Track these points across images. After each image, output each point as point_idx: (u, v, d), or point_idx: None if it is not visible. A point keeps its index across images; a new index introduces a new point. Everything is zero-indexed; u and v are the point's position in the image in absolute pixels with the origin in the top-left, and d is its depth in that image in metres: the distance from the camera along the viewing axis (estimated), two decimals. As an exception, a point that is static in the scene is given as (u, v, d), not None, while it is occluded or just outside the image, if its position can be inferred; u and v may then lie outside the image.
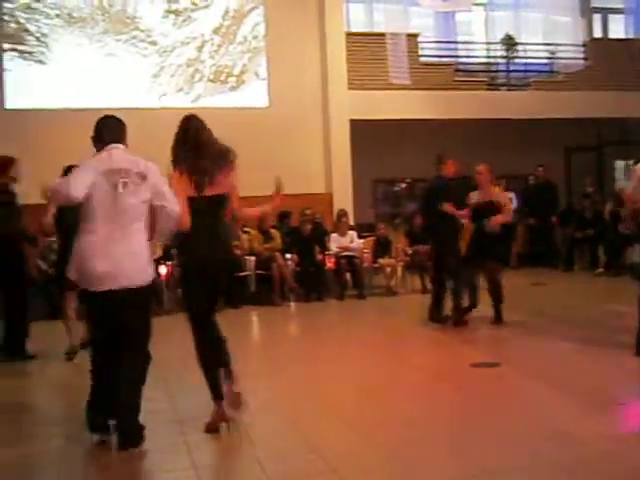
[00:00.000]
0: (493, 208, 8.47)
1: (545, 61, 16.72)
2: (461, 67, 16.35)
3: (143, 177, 4.52)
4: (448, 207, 8.41)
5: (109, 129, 4.75)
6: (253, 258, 11.44)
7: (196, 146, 4.83)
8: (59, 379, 6.96)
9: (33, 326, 7.86)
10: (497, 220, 8.42)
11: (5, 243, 7.40)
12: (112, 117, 4.84)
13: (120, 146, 4.70)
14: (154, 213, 4.53)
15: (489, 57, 16.98)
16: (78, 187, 4.36)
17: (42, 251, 9.97)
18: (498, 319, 8.40)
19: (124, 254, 4.40)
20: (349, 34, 14.90)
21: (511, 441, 4.36)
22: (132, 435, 4.48)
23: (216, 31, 14.31)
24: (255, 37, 14.48)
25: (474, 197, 8.62)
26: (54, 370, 7.17)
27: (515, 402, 5.29)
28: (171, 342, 6.89)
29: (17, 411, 5.65)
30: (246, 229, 11.83)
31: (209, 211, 4.82)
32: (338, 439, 4.56)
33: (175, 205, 4.53)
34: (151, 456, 4.38)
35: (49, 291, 10.37)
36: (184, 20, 14.18)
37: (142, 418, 4.55)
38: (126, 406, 4.50)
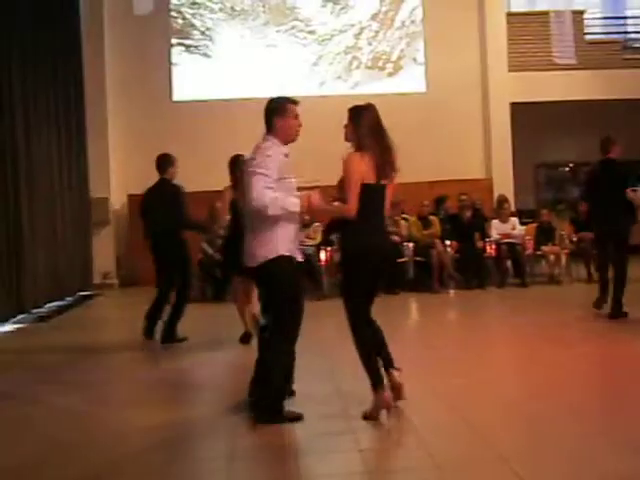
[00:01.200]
0: None
1: None
2: (630, 44, 15.48)
3: None
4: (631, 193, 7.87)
5: None
6: (412, 245, 11.38)
7: (382, 135, 4.83)
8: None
9: (197, 308, 8.09)
10: None
11: (168, 235, 7.68)
12: None
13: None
14: None
15: (661, 32, 15.98)
16: None
17: (210, 237, 10.39)
18: None
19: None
20: (510, 14, 14.49)
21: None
22: (260, 412, 4.66)
23: (374, 17, 14.32)
24: (413, 22, 14.37)
25: None
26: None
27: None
28: (331, 326, 6.95)
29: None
30: (404, 216, 11.77)
31: (382, 200, 4.81)
32: (507, 429, 4.44)
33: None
34: (317, 439, 4.42)
35: (213, 275, 10.80)
36: (342, 8, 14.28)
37: (305, 402, 4.60)
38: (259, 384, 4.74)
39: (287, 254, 4.69)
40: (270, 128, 4.79)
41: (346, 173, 4.68)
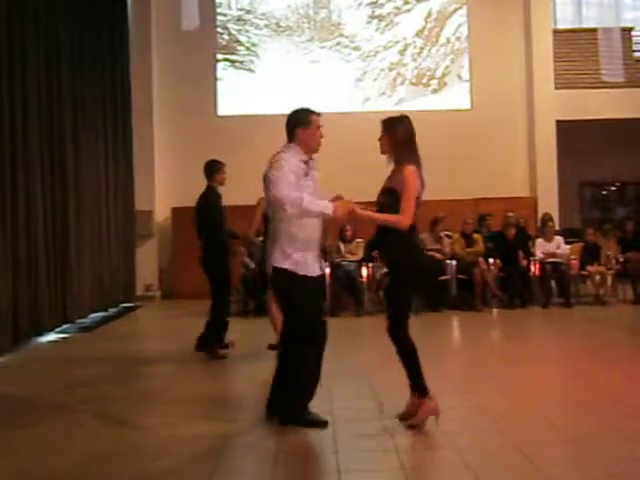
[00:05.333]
0: None
1: None
2: (679, 62, 15.23)
3: None
4: None
5: None
6: (454, 262, 11.28)
7: (416, 147, 4.86)
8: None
9: (239, 322, 8.13)
10: None
11: (211, 246, 7.70)
12: None
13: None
14: None
15: None
16: None
17: (250, 249, 10.43)
18: None
19: None
20: (556, 31, 14.38)
21: None
22: (285, 414, 4.82)
23: (419, 34, 14.32)
24: (458, 38, 14.34)
25: None
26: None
27: None
28: (370, 342, 6.90)
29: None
30: (448, 233, 11.68)
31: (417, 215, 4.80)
32: (551, 450, 4.35)
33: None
34: (358, 456, 4.38)
35: (257, 288, 10.76)
36: (387, 24, 14.29)
37: (348, 417, 4.56)
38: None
39: (288, 268, 4.73)
40: (292, 138, 4.87)
41: (406, 186, 4.68)
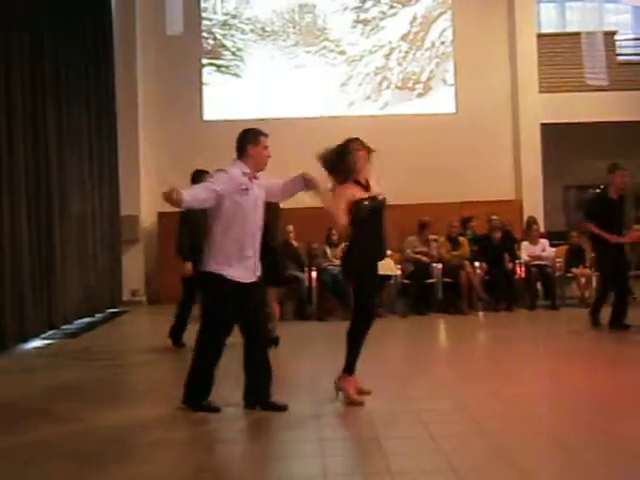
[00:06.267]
0: None
1: None
2: (662, 65, 15.36)
3: None
4: (593, 228, 8.65)
5: None
6: (440, 265, 11.31)
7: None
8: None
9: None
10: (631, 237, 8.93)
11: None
12: None
13: None
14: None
15: (693, 54, 15.85)
16: None
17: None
18: None
19: None
20: (540, 35, 14.47)
21: None
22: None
23: (404, 38, 14.37)
24: (443, 43, 14.40)
25: None
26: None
27: None
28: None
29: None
30: (434, 237, 11.70)
31: None
32: (536, 453, 4.37)
33: None
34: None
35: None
36: (372, 29, 14.33)
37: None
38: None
39: (216, 272, 5.18)
40: (242, 154, 5.33)
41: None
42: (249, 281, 5.27)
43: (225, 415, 5.27)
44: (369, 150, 5.49)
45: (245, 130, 5.42)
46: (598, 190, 8.91)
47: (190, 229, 7.97)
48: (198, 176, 8.02)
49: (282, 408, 5.26)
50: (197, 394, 5.35)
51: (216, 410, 5.29)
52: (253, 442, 4.86)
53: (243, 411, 5.34)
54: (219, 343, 5.27)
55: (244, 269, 5.23)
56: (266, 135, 5.40)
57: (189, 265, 8.03)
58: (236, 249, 5.19)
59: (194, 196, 5.12)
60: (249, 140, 5.32)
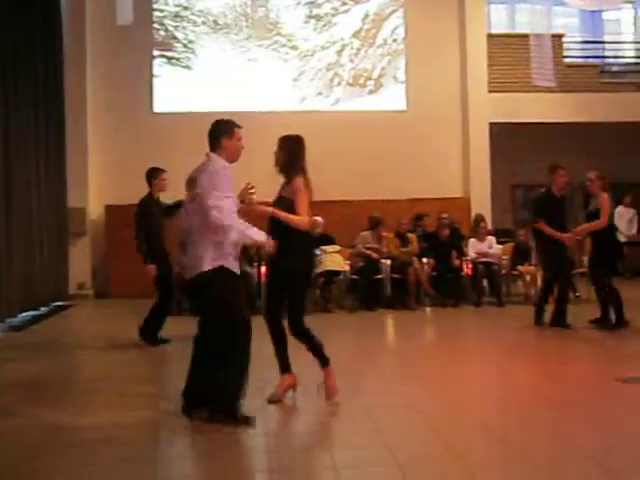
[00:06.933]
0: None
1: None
2: (607, 68, 15.72)
3: None
4: (543, 226, 8.71)
5: None
6: (389, 262, 11.41)
7: (305, 163, 5.48)
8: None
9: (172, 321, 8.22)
10: (579, 230, 8.92)
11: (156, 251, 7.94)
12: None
13: None
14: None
15: (638, 57, 16.25)
16: None
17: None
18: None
19: None
20: (490, 35, 14.65)
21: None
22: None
23: (356, 35, 14.41)
24: (395, 40, 14.48)
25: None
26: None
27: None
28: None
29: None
30: (383, 233, 11.79)
31: None
32: (480, 448, 4.45)
33: None
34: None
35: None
36: (325, 25, 14.35)
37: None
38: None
39: (224, 264, 4.89)
40: (215, 147, 5.06)
41: (298, 193, 5.35)
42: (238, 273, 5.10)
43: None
44: None
45: (218, 121, 5.16)
46: (543, 190, 9.06)
47: (147, 230, 7.89)
48: (153, 174, 8.01)
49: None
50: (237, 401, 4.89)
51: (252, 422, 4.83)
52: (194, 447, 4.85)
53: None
54: (250, 338, 4.94)
55: (235, 261, 5.03)
56: (240, 126, 5.17)
57: (152, 268, 7.90)
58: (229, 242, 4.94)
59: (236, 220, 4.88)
60: (223, 132, 5.08)
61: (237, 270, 5.00)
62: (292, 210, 5.24)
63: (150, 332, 8.03)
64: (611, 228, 8.69)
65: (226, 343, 4.85)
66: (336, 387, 5.37)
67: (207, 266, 4.83)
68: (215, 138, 5.06)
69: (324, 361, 5.38)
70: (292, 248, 5.29)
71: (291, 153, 5.39)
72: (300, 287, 5.41)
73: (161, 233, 8.06)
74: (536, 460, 4.15)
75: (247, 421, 4.76)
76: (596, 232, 8.69)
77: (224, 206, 4.73)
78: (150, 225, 7.92)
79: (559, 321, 8.75)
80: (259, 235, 4.99)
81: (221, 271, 4.85)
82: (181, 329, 7.55)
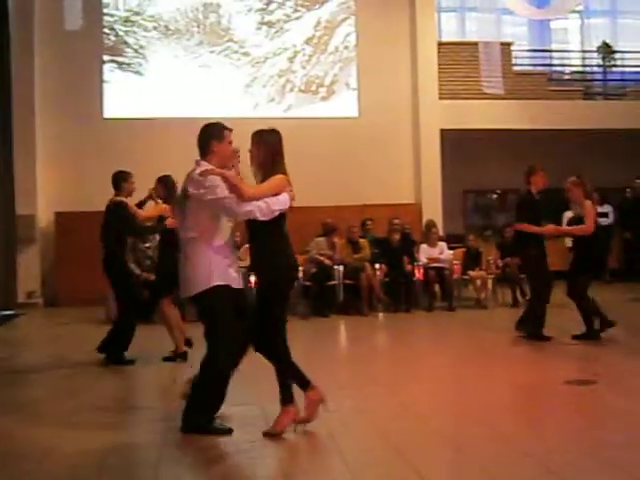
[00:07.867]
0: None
1: (643, 69, 16.22)
2: (555, 76, 16.05)
3: None
4: (524, 226, 8.29)
5: None
6: (341, 268, 11.45)
7: (283, 158, 5.03)
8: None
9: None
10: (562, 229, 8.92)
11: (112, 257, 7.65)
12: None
13: None
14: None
15: (585, 66, 16.62)
16: None
17: (138, 257, 10.19)
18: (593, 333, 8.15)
19: None
20: (441, 43, 14.84)
21: (610, 463, 4.19)
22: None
23: (308, 42, 14.45)
24: (346, 47, 14.57)
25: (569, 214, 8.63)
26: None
27: (612, 421, 5.10)
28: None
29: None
30: (335, 239, 11.83)
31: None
32: (429, 451, 4.50)
33: None
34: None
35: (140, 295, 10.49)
36: (276, 31, 14.36)
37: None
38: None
39: (222, 283, 4.73)
40: (206, 152, 4.85)
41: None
42: (240, 286, 4.95)
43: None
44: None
45: (207, 125, 4.92)
46: (523, 191, 8.80)
47: (117, 232, 7.59)
48: (124, 176, 7.76)
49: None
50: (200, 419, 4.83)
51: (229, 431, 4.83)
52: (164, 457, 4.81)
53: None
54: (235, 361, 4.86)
55: (236, 272, 4.93)
56: (230, 129, 4.94)
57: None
58: (228, 252, 4.86)
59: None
60: (213, 135, 4.86)
61: (236, 282, 4.86)
62: (263, 222, 4.76)
63: (115, 350, 7.48)
64: (595, 236, 8.33)
65: (207, 361, 4.80)
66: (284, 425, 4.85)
67: (197, 288, 4.73)
68: (204, 142, 4.87)
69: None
70: (265, 256, 4.83)
71: (272, 148, 4.89)
72: (275, 299, 4.90)
73: (126, 239, 7.82)
74: (484, 463, 4.21)
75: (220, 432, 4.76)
76: (580, 239, 8.45)
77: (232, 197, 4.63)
78: (119, 229, 7.58)
79: (536, 333, 8.21)
80: (283, 201, 4.85)
81: (214, 291, 4.70)
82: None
